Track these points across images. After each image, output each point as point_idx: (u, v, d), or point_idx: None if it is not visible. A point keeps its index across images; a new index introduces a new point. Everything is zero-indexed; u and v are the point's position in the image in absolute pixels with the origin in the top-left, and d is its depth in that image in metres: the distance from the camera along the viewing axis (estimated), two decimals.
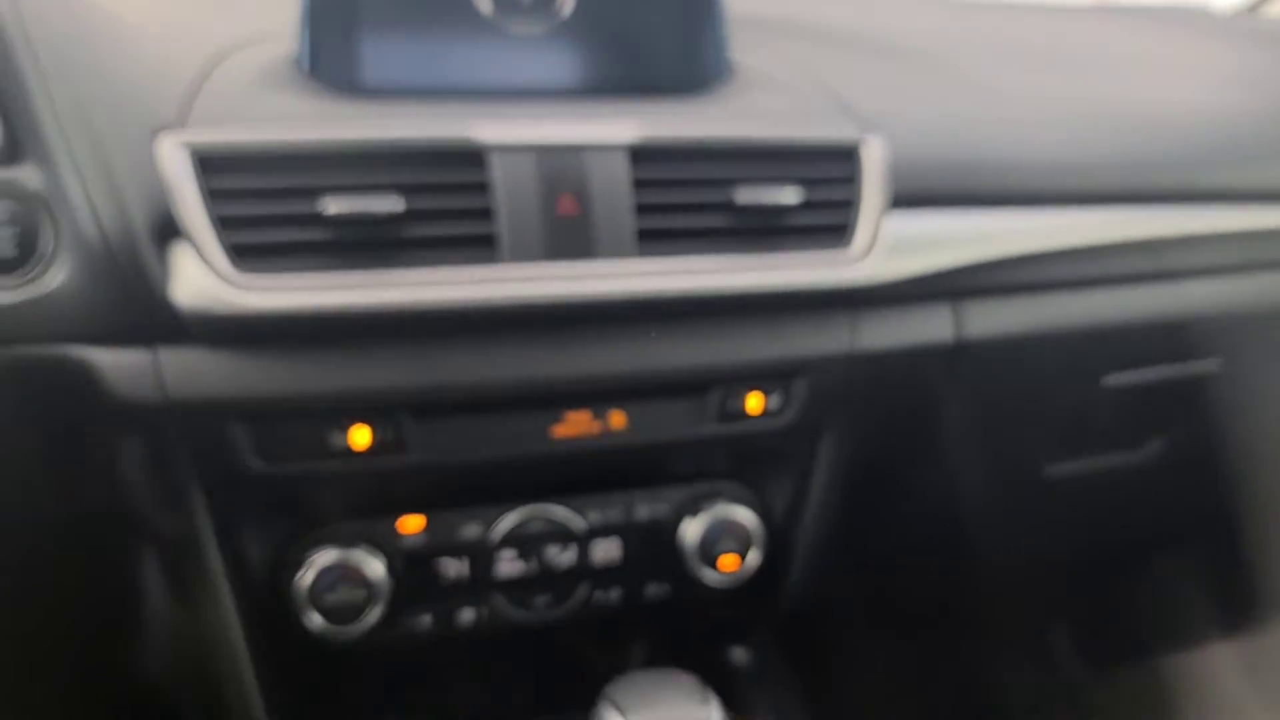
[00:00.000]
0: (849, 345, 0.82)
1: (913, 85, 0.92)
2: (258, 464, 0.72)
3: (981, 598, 1.48)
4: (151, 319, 0.67)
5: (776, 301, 0.79)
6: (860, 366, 0.83)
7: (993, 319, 0.88)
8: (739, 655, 1.04)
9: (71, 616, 0.80)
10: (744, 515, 0.85)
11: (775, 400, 0.81)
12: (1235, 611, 1.55)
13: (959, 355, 0.86)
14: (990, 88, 0.94)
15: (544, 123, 0.73)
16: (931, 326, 0.86)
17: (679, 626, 0.95)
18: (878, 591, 1.22)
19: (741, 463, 0.88)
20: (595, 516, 0.84)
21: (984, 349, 0.87)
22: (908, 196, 0.82)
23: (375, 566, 0.77)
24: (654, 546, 0.86)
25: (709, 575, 0.85)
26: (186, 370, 0.69)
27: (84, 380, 0.67)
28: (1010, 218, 0.88)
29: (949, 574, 1.24)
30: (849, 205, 0.79)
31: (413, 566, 0.81)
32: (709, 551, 0.84)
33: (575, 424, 0.78)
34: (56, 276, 0.66)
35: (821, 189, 0.78)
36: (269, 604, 0.78)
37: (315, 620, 0.76)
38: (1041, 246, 0.88)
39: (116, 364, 0.68)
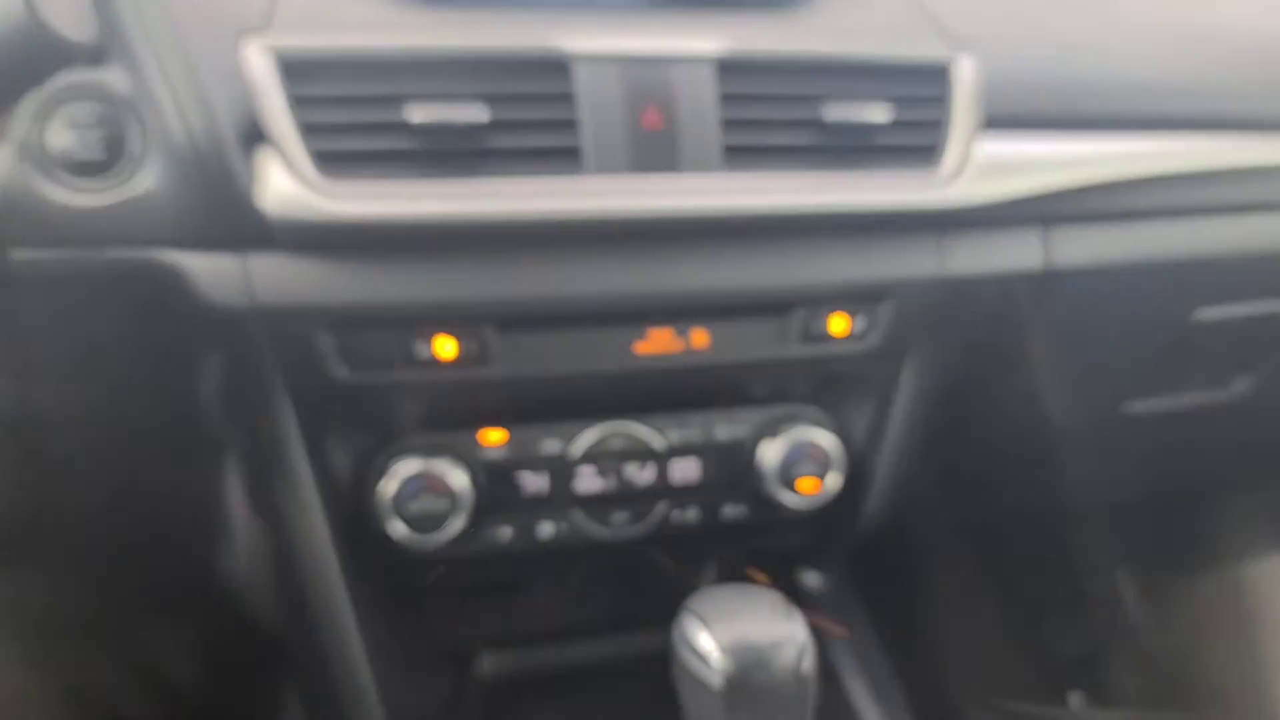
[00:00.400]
0: (936, 269, 0.80)
1: (1007, 3, 0.88)
2: (343, 372, 0.73)
3: (1053, 531, 1.47)
4: (239, 224, 0.68)
5: (863, 222, 0.77)
6: (947, 291, 0.81)
7: (1083, 247, 0.85)
8: (811, 579, 1.04)
9: (162, 521, 0.83)
10: (824, 439, 0.85)
11: (860, 323, 0.80)
12: None
13: (1047, 283, 0.84)
14: (1090, 6, 0.90)
15: (630, 33, 0.72)
16: (1020, 253, 0.83)
17: (754, 547, 0.95)
18: (951, 519, 1.22)
19: (822, 386, 0.87)
20: (674, 435, 0.84)
21: (1073, 278, 0.85)
22: (1001, 118, 0.80)
23: (458, 477, 0.78)
24: (732, 467, 0.86)
25: (787, 497, 0.85)
26: (274, 276, 0.69)
27: (174, 284, 0.68)
28: (1106, 142, 0.85)
29: (1022, 505, 1.23)
30: (939, 125, 0.77)
31: (494, 479, 0.82)
32: (788, 474, 0.84)
33: (658, 341, 0.78)
34: (145, 180, 0.67)
35: (911, 108, 0.76)
36: (353, 512, 0.80)
37: (399, 528, 0.78)
38: (1138, 172, 0.85)
39: (206, 269, 0.69)
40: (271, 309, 0.69)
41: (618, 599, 1.09)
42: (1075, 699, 1.71)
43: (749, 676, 0.60)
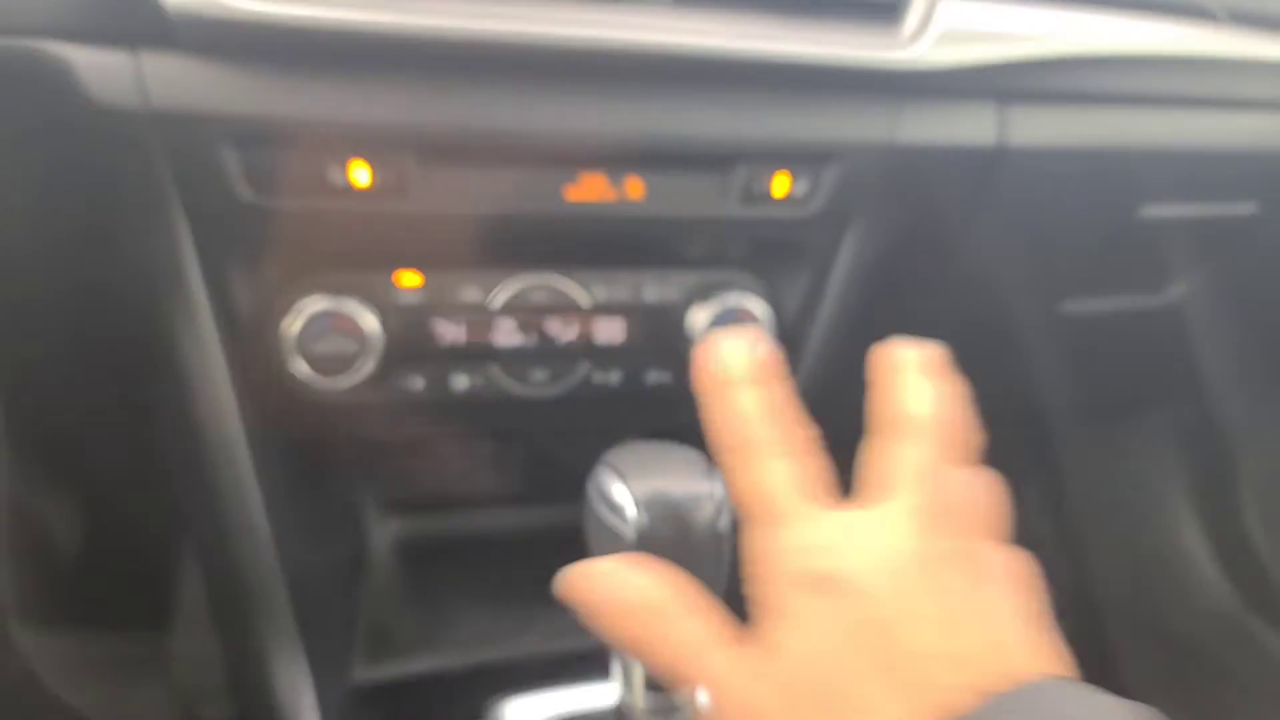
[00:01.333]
0: (887, 135, 0.77)
1: None
2: (248, 194, 0.67)
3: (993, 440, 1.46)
4: (134, 18, 0.61)
5: (816, 77, 0.73)
6: (896, 159, 0.78)
7: (1038, 127, 0.82)
8: None
9: (46, 336, 0.76)
10: (756, 306, 0.81)
11: (803, 185, 0.77)
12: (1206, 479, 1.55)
13: (998, 162, 0.81)
14: None
15: None
16: (975, 127, 0.80)
17: (676, 422, 0.92)
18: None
19: (758, 253, 0.83)
20: (601, 293, 0.80)
21: (1024, 159, 0.82)
22: None
23: (368, 319, 0.73)
24: (659, 330, 0.82)
25: None
26: (172, 79, 0.62)
27: (61, 80, 0.62)
28: (1073, 16, 0.82)
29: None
30: None
31: (407, 325, 0.77)
32: None
33: (590, 187, 0.73)
34: None
35: None
36: (255, 349, 0.75)
37: (302, 369, 0.73)
38: (1104, 50, 0.82)
39: (95, 64, 0.62)
40: (168, 114, 0.63)
41: (530, 471, 1.06)
42: None
43: (663, 531, 0.57)
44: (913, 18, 0.74)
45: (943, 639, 0.37)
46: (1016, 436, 1.42)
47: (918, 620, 0.38)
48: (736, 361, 0.49)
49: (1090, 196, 0.89)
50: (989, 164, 0.81)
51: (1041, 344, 1.06)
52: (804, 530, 0.43)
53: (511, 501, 1.08)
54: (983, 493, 0.45)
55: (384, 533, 1.05)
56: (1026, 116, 0.82)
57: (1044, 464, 1.60)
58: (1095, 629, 1.59)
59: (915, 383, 0.48)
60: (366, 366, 0.74)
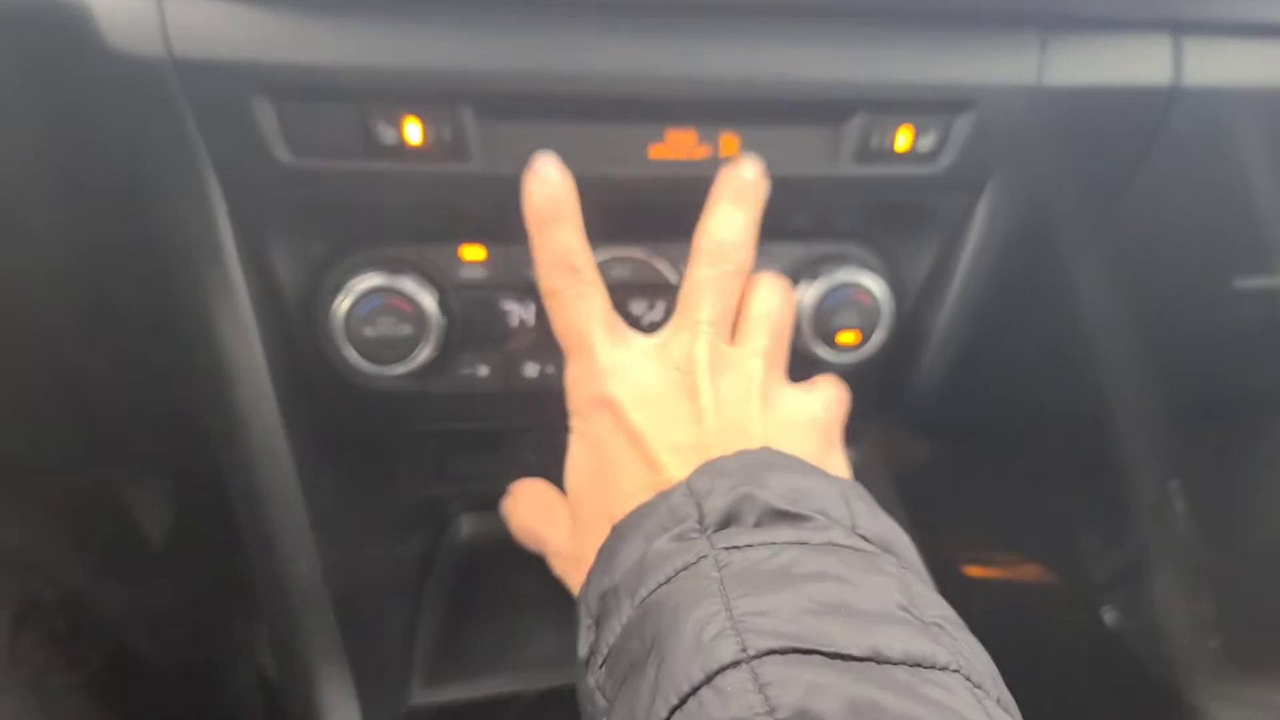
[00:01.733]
0: (1034, 76, 0.64)
1: None
2: (286, 155, 0.58)
3: (1107, 431, 1.32)
4: None
5: (950, 7, 0.61)
6: (1044, 105, 0.65)
7: (1218, 64, 0.68)
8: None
9: (76, 316, 0.69)
10: (873, 284, 0.70)
11: (930, 138, 0.64)
12: None
13: (1170, 107, 0.68)
14: None
15: None
16: (1145, 64, 0.66)
17: None
18: (998, 409, 1.07)
19: (875, 220, 0.72)
20: None
21: (1201, 102, 0.68)
22: None
23: (426, 299, 0.64)
24: None
25: (822, 351, 0.70)
26: (196, 24, 0.54)
27: (80, 28, 0.54)
28: None
29: (1081, 397, 1.08)
30: None
31: (470, 305, 0.68)
32: (825, 324, 0.69)
33: (678, 145, 0.62)
34: None
35: None
36: (301, 334, 0.67)
37: (352, 355, 0.64)
38: None
39: (114, 8, 0.54)
40: (193, 63, 0.55)
41: None
42: (1110, 615, 1.60)
43: None
44: None
45: (676, 436, 0.52)
46: (1166, 428, 1.26)
47: (659, 426, 0.53)
48: (553, 199, 0.58)
49: (1275, 148, 0.74)
50: (1159, 109, 0.67)
51: (1207, 326, 0.91)
52: (597, 359, 0.57)
53: None
54: (763, 306, 0.61)
55: (451, 538, 0.96)
56: (1204, 51, 0.68)
57: (1195, 458, 1.44)
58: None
59: (723, 211, 0.60)
60: (424, 352, 0.65)
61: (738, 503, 0.43)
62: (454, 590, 0.89)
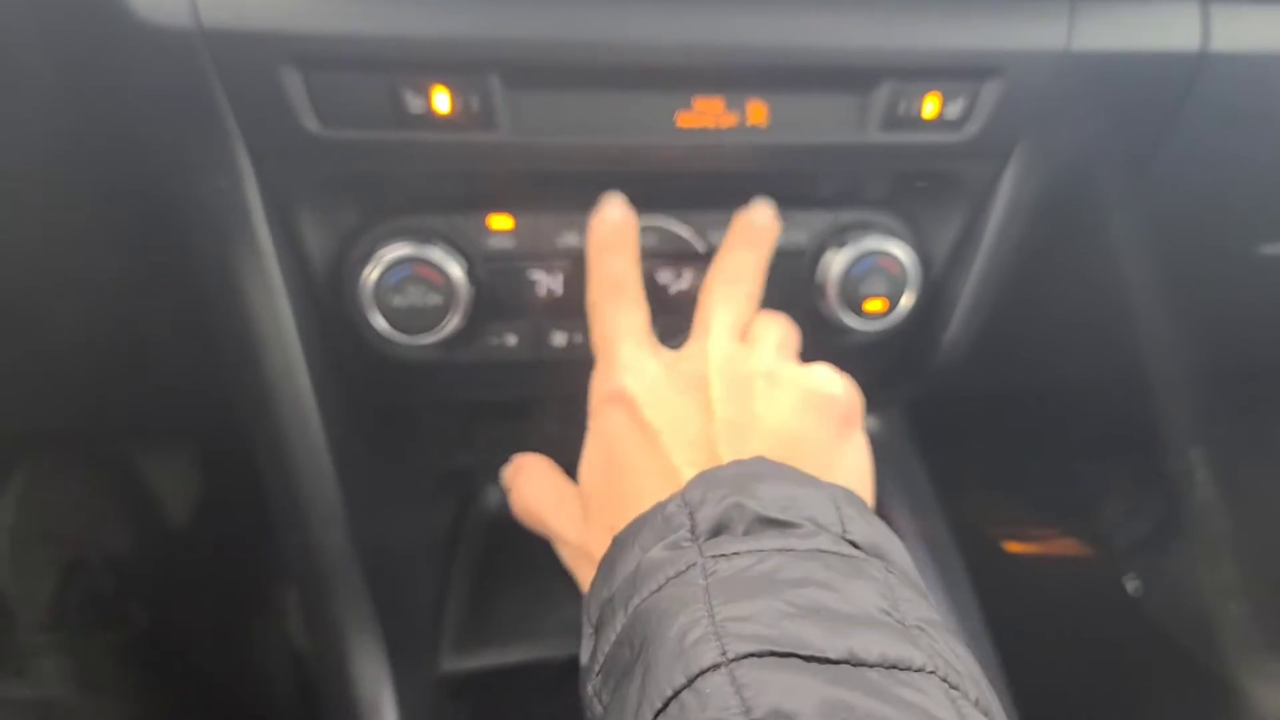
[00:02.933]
0: (1064, 41, 0.63)
1: None
2: (315, 125, 0.58)
3: (1130, 400, 1.32)
4: None
5: None
6: (1073, 71, 0.64)
7: (1248, 28, 0.67)
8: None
9: (108, 289, 0.70)
10: (900, 251, 0.70)
11: (958, 105, 0.64)
12: None
13: (1199, 72, 0.67)
14: None
15: None
16: (1173, 28, 0.66)
17: None
18: (1023, 378, 1.07)
19: (900, 190, 0.71)
20: (717, 237, 0.69)
21: (1229, 67, 0.68)
22: None
23: (454, 268, 0.65)
24: (787, 279, 0.71)
25: (850, 319, 0.70)
26: None
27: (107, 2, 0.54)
28: None
29: (1106, 365, 1.08)
30: None
31: (498, 274, 0.68)
32: (853, 291, 0.70)
33: (705, 113, 0.62)
34: None
35: None
36: (330, 303, 0.67)
37: (381, 323, 0.65)
38: None
39: None
40: (221, 32, 0.55)
41: None
42: (1131, 583, 1.60)
43: None
44: None
45: (687, 431, 0.54)
46: (1190, 397, 1.26)
47: (672, 422, 0.55)
48: (614, 231, 0.63)
49: None
50: (1188, 74, 0.67)
51: (1233, 293, 0.90)
52: (618, 359, 0.59)
53: None
54: (770, 321, 0.63)
55: (478, 508, 0.97)
56: (1232, 16, 0.67)
57: (1217, 426, 1.43)
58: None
59: (736, 252, 0.65)
60: (453, 321, 0.66)
61: (728, 512, 0.44)
62: (481, 559, 0.90)
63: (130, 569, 1.17)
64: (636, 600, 0.42)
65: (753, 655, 0.35)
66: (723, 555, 0.42)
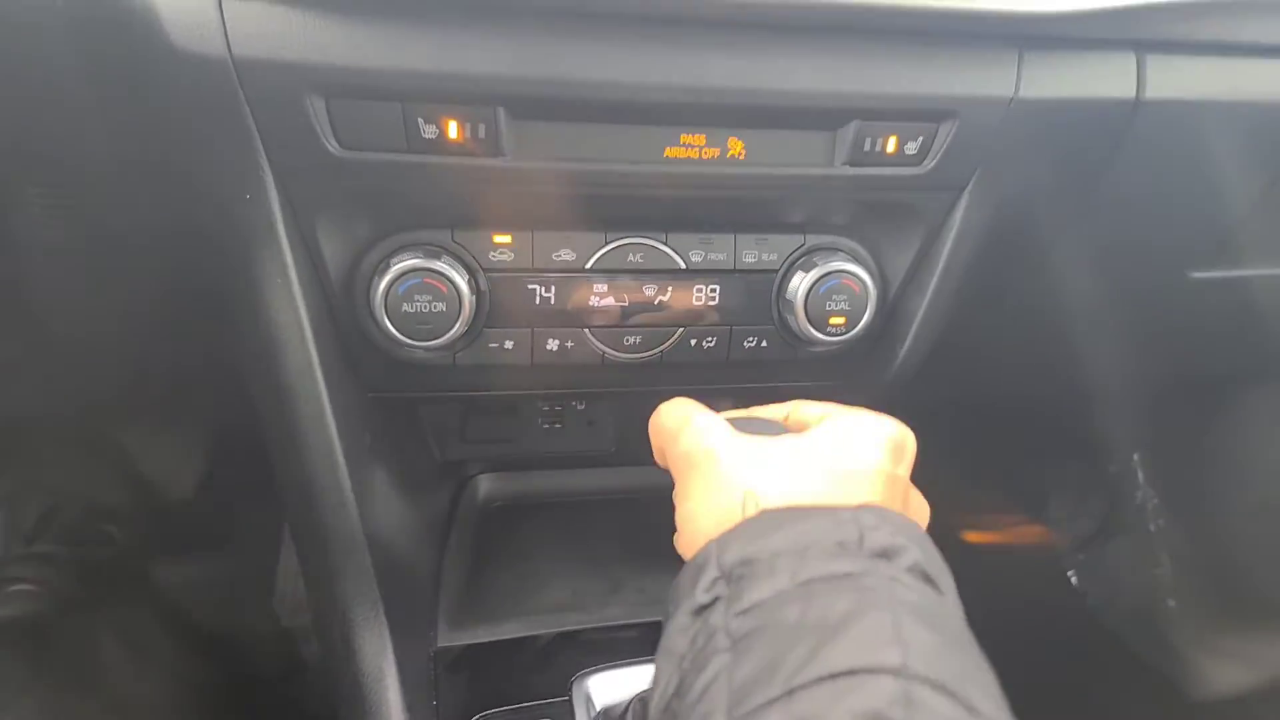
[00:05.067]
0: (1012, 89, 0.71)
1: None
2: (334, 147, 0.65)
3: (1075, 410, 1.41)
4: None
5: (936, 23, 0.67)
6: (1021, 115, 0.72)
7: (1178, 78, 0.75)
8: None
9: (142, 294, 0.76)
10: (861, 273, 0.77)
11: (916, 143, 0.71)
12: None
13: (1134, 117, 0.75)
14: None
15: None
16: (1112, 78, 0.73)
17: (771, 380, 0.88)
18: (971, 389, 1.15)
19: (864, 215, 0.79)
20: (698, 256, 0.77)
21: (1162, 113, 0.75)
22: None
23: (458, 279, 0.71)
24: (758, 296, 0.79)
25: (812, 334, 0.77)
26: (254, 25, 0.60)
27: (146, 27, 0.59)
28: None
29: (1050, 379, 1.17)
30: None
31: (499, 285, 0.75)
32: (817, 308, 0.77)
33: (691, 146, 0.69)
34: None
35: None
36: (343, 308, 0.73)
37: (390, 330, 0.71)
38: None
39: (179, 8, 0.59)
40: (251, 62, 0.61)
41: (622, 432, 1.03)
42: (1074, 577, 1.69)
43: None
44: None
45: (743, 478, 0.57)
46: (1129, 406, 1.35)
47: (751, 469, 0.57)
48: (672, 415, 0.65)
49: (1231, 154, 0.82)
50: (1125, 119, 0.75)
51: (1166, 314, 0.99)
52: (693, 432, 0.62)
53: (604, 462, 1.05)
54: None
55: (474, 493, 1.04)
56: (1168, 66, 0.75)
57: (1154, 433, 1.52)
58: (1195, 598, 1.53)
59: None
60: (456, 327, 0.72)
61: (895, 546, 0.49)
62: (475, 543, 0.97)
63: (119, 511, 1.22)
64: (805, 575, 0.46)
65: (927, 681, 0.39)
66: (898, 580, 0.46)
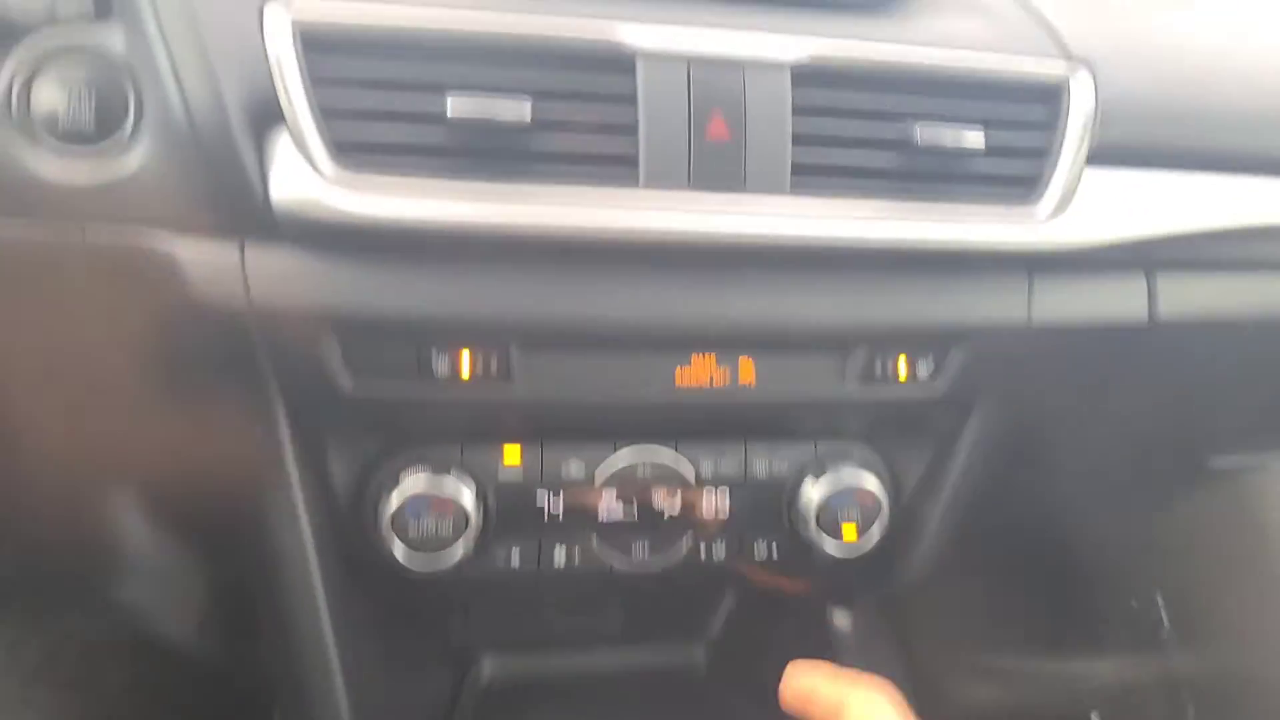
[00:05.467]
0: (1022, 316, 0.71)
1: (1137, 12, 0.77)
2: (348, 384, 0.65)
3: (1093, 560, 1.38)
4: (240, 213, 0.59)
5: (944, 259, 0.68)
6: (1032, 339, 0.72)
7: (1191, 298, 0.75)
8: (841, 618, 0.97)
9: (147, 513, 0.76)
10: (872, 484, 0.77)
11: (927, 366, 0.72)
12: None
13: (1147, 336, 0.75)
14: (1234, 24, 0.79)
15: (701, 30, 0.62)
16: (1123, 302, 0.74)
17: (781, 584, 0.88)
18: (991, 559, 1.14)
19: (876, 426, 0.79)
20: (708, 467, 0.76)
21: (1176, 330, 0.75)
22: (1113, 149, 0.70)
23: (467, 497, 0.71)
24: (769, 505, 0.78)
25: (826, 543, 0.77)
26: (274, 273, 0.61)
27: (167, 276, 0.60)
28: (1226, 180, 0.74)
29: (1068, 542, 1.15)
30: (1044, 154, 0.68)
31: (507, 499, 0.74)
32: (830, 518, 0.76)
33: (700, 373, 0.69)
34: (138, 157, 0.58)
35: (1014, 133, 0.67)
36: (351, 530, 0.73)
37: (399, 549, 0.71)
38: (1263, 220, 0.74)
39: (198, 258, 0.60)
40: (268, 309, 0.61)
41: (629, 612, 1.03)
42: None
43: None
44: (1054, 191, 0.68)
45: None
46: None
47: None
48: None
49: (1246, 363, 0.82)
50: (1137, 339, 0.75)
51: (1179, 503, 0.98)
52: None
53: (613, 641, 1.04)
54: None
55: (479, 673, 1.02)
56: (1178, 286, 0.75)
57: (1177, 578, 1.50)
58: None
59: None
60: (464, 547, 0.72)
61: None
62: None
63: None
64: None
65: None
66: None
